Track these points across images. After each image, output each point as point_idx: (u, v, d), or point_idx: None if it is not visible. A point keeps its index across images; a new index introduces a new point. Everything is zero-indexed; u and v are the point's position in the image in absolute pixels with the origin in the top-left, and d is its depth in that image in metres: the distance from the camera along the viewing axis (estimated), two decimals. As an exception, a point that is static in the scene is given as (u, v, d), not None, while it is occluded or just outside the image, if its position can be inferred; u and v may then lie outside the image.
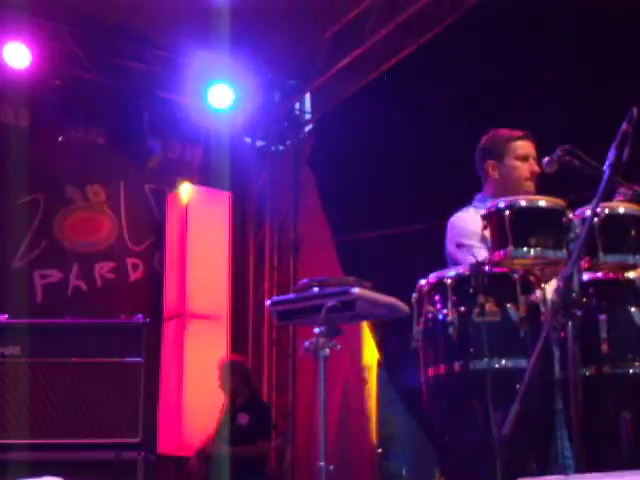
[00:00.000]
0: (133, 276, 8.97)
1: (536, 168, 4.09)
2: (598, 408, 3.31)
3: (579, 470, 2.96)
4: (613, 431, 3.32)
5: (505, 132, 4.27)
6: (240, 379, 7.61)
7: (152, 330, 6.98)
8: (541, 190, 4.05)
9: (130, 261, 8.96)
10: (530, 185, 4.13)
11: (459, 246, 4.01)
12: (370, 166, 8.26)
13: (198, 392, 8.21)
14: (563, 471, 3.36)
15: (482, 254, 3.54)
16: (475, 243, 3.83)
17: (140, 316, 6.40)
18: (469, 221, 4.05)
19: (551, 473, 3.27)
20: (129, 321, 6.43)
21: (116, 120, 8.86)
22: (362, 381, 8.70)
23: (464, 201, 4.33)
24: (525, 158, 4.17)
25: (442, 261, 4.14)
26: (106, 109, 8.79)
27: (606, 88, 6.30)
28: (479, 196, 4.27)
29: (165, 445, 8.26)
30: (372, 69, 8.38)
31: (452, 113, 7.38)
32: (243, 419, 7.45)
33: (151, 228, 9.14)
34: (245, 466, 7.14)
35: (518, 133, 4.23)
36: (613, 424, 3.32)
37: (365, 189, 8.25)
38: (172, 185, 9.13)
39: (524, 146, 4.20)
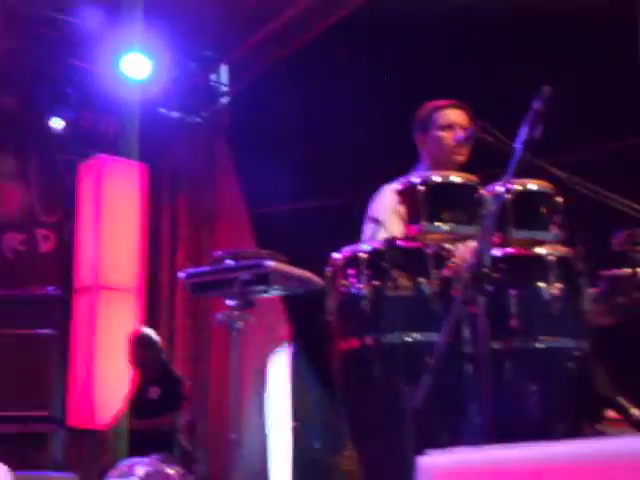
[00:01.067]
0: (44, 247, 8.83)
1: (461, 135, 4.03)
2: (506, 381, 3.37)
3: (487, 442, 3.01)
4: (521, 404, 3.37)
5: (432, 103, 4.24)
6: (150, 352, 7.56)
7: (64, 302, 6.89)
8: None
9: (40, 232, 8.83)
10: (459, 152, 4.11)
11: (369, 221, 4.02)
12: (287, 139, 8.24)
13: (110, 364, 8.14)
14: (472, 443, 3.42)
15: (389, 231, 3.54)
16: (387, 219, 3.83)
17: (51, 288, 6.33)
18: (388, 196, 4.03)
19: (461, 445, 3.31)
20: (40, 293, 6.35)
21: (28, 88, 8.69)
22: (276, 354, 8.73)
23: (380, 176, 4.31)
24: (449, 127, 4.14)
25: (357, 235, 4.15)
26: (18, 77, 8.61)
27: (520, 70, 6.38)
28: (417, 167, 4.25)
29: (76, 418, 8.18)
30: (290, 42, 8.34)
31: (371, 87, 7.39)
32: (154, 393, 7.41)
33: (63, 199, 9.00)
34: (155, 439, 7.11)
35: (444, 103, 4.21)
36: (520, 397, 3.38)
37: (281, 162, 8.23)
38: (85, 155, 9.00)
39: (448, 114, 4.17)
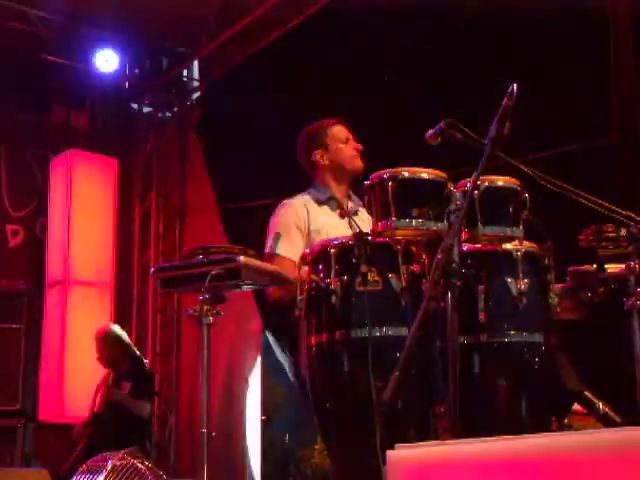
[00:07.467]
0: (13, 242, 8.78)
1: (359, 145, 4.58)
2: (475, 376, 3.40)
3: (456, 436, 3.04)
4: (489, 398, 3.40)
5: (320, 122, 4.69)
6: (119, 349, 7.55)
7: (34, 297, 6.86)
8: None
9: (10, 227, 8.78)
10: (359, 161, 4.57)
11: (271, 233, 4.40)
12: (257, 134, 8.24)
13: (80, 359, 8.12)
14: (440, 437, 3.45)
15: (292, 245, 4.04)
16: (289, 232, 4.30)
17: (20, 282, 6.31)
18: (290, 210, 4.46)
19: (429, 439, 3.34)
20: (9, 287, 6.32)
21: (-1, 83, 8.66)
22: (247, 349, 8.73)
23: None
24: (346, 140, 4.60)
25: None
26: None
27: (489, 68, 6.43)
28: (314, 185, 4.65)
29: (46, 412, 8.15)
30: (261, 38, 8.34)
31: (341, 83, 7.40)
32: (125, 388, 7.41)
33: (33, 194, 8.97)
34: (128, 426, 7.11)
35: (332, 120, 4.67)
36: (489, 391, 3.41)
37: (252, 157, 8.24)
38: (56, 150, 8.96)
39: (342, 130, 4.64)
